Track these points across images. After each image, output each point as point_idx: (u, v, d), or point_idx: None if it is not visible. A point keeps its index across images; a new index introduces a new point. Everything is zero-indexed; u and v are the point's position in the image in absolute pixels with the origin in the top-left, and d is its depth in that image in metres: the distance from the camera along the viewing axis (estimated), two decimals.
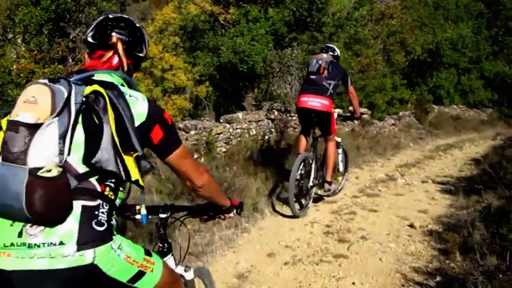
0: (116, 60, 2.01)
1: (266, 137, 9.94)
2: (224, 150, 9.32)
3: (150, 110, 1.88)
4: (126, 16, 2.16)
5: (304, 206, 6.30)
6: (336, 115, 6.50)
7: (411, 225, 5.66)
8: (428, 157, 11.18)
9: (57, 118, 1.58)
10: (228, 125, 9.86)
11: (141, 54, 2.17)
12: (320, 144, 6.63)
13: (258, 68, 12.93)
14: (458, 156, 11.61)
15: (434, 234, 5.18)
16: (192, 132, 9.05)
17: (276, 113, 11.28)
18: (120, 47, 2.00)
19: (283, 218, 6.13)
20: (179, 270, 2.46)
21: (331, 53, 6.45)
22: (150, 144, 1.93)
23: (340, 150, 7.02)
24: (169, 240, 2.44)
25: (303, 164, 6.09)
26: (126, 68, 2.05)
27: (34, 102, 1.59)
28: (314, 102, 6.10)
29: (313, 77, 6.18)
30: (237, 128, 9.94)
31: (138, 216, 2.34)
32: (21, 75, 11.65)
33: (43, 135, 1.55)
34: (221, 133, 9.52)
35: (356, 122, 11.50)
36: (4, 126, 1.60)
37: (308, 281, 4.23)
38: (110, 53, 2.00)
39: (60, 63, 12.47)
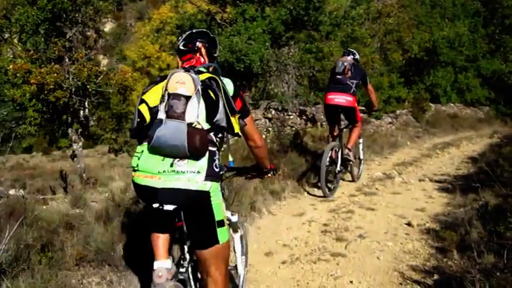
0: (202, 59, 2.96)
1: (263, 136, 9.94)
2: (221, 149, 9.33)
3: (234, 88, 2.91)
4: (205, 30, 3.16)
5: (333, 189, 7.23)
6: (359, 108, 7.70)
7: (409, 224, 5.66)
8: (426, 155, 11.18)
9: (195, 94, 2.56)
10: None
11: (215, 54, 3.12)
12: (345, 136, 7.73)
13: (255, 67, 12.93)
14: (455, 154, 11.61)
15: (432, 233, 5.18)
16: None
17: (273, 112, 11.28)
18: (203, 50, 2.98)
19: (281, 217, 6.14)
20: (227, 213, 3.10)
21: (352, 56, 7.48)
22: (235, 110, 2.80)
23: (361, 140, 8.37)
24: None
25: (331, 152, 7.02)
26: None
27: (183, 83, 2.57)
28: (340, 99, 7.14)
29: (339, 77, 7.18)
30: None
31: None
32: (18, 75, 11.63)
33: (192, 103, 2.54)
34: None
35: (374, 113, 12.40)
36: (150, 101, 2.64)
37: (306, 280, 4.23)
38: (197, 55, 2.95)
39: (57, 63, 12.45)
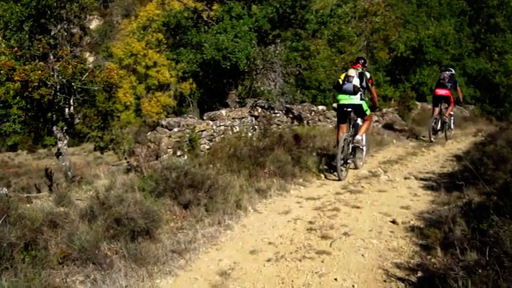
0: (359, 65, 9.01)
1: (249, 134, 9.93)
2: (207, 147, 9.32)
3: (370, 76, 9.16)
4: (364, 56, 10.73)
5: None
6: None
7: (393, 222, 5.68)
8: (411, 154, 11.23)
9: (356, 75, 8.67)
10: (211, 122, 9.85)
11: (366, 65, 9.40)
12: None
13: (241, 65, 12.91)
14: (440, 152, 11.68)
15: (416, 230, 5.21)
16: (175, 130, 9.02)
17: (259, 109, 11.28)
18: (360, 62, 9.10)
19: (267, 215, 6.14)
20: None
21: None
22: (368, 83, 8.99)
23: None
24: None
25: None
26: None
27: (352, 72, 8.73)
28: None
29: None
30: (220, 125, 9.94)
31: None
32: (1, 72, 11.51)
33: (355, 78, 8.64)
34: (204, 130, 9.51)
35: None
36: (341, 77, 8.85)
37: (291, 278, 4.23)
38: (358, 64, 9.03)
39: (41, 60, 12.34)
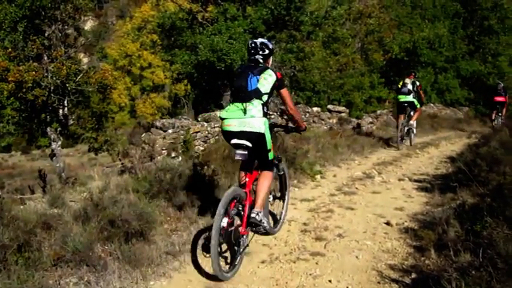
0: (412, 76, 12.74)
1: None
2: (202, 148, 9.30)
3: (420, 82, 13.00)
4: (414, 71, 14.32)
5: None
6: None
7: (387, 223, 5.69)
8: (405, 155, 11.27)
9: (410, 82, 12.45)
10: (205, 124, 9.84)
11: (416, 74, 13.56)
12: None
13: (235, 66, 12.92)
14: (434, 154, 11.72)
15: (410, 232, 5.22)
16: (170, 131, 9.01)
17: None
18: (413, 74, 12.96)
19: None
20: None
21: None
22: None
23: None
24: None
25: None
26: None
27: (407, 80, 12.44)
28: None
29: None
30: (215, 127, 9.93)
31: None
32: None
33: (409, 84, 12.38)
34: (199, 131, 9.50)
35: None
36: (400, 84, 12.60)
37: (285, 279, 4.23)
38: (411, 76, 12.80)
39: (35, 61, 12.32)
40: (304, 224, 5.77)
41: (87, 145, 16.53)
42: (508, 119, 16.16)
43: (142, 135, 9.44)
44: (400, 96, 12.54)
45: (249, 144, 4.41)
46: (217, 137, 9.74)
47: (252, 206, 4.49)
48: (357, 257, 4.66)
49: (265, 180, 4.65)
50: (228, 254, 4.30)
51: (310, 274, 4.30)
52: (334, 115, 15.31)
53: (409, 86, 12.32)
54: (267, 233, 4.93)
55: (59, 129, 13.36)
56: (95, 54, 43.51)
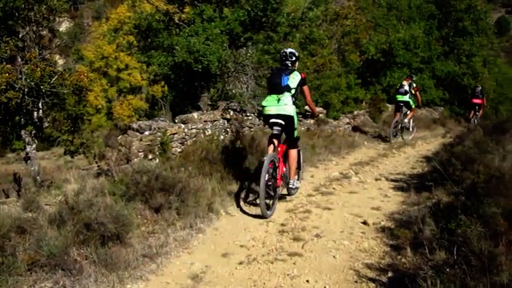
0: (409, 79, 14.41)
1: (221, 137, 9.91)
2: (179, 150, 9.25)
3: (416, 85, 14.64)
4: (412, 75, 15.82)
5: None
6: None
7: (364, 223, 5.74)
8: (382, 155, 11.37)
9: (407, 84, 14.21)
10: (183, 125, 9.79)
11: (414, 78, 15.22)
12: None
13: (212, 68, 12.90)
14: (411, 153, 11.85)
15: (387, 231, 5.28)
16: (147, 133, 8.94)
17: (231, 112, 11.26)
18: (409, 79, 14.43)
19: (239, 218, 6.14)
20: None
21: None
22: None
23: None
24: None
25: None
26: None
27: (404, 83, 14.16)
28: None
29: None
30: (192, 128, 9.88)
31: None
32: None
33: (406, 86, 14.12)
34: (176, 133, 9.45)
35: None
36: (398, 85, 14.70)
37: (263, 280, 4.24)
38: (408, 79, 14.63)
39: (9, 63, 12.11)
40: (282, 224, 5.79)
41: (63, 148, 16.32)
42: (482, 118, 17.10)
43: (119, 137, 9.34)
44: (397, 96, 14.26)
45: (282, 122, 6.29)
46: (194, 139, 9.71)
47: (285, 174, 6.66)
48: (334, 256, 4.69)
49: (293, 156, 6.65)
50: (268, 200, 6.15)
51: (288, 274, 4.32)
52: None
53: (406, 87, 14.01)
54: (291, 191, 6.93)
55: (33, 132, 13.15)
56: (70, 55, 43.03)
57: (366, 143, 13.50)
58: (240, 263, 4.62)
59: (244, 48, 14.58)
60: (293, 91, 6.28)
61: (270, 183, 6.10)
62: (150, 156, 8.56)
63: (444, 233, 4.44)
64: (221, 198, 6.56)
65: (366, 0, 25.74)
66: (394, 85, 21.44)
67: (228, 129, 10.66)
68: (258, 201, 6.13)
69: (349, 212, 6.26)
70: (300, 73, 6.47)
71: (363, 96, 20.11)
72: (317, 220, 5.96)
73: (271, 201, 6.23)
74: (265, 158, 6.06)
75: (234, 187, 7.12)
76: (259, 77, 14.27)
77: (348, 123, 16.00)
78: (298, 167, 7.27)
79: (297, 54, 6.61)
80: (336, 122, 15.37)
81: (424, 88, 23.15)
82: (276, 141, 6.47)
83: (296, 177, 6.93)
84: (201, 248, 5.06)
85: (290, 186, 6.68)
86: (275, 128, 6.33)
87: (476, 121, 16.84)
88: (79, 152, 15.26)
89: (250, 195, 7.03)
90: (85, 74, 14.09)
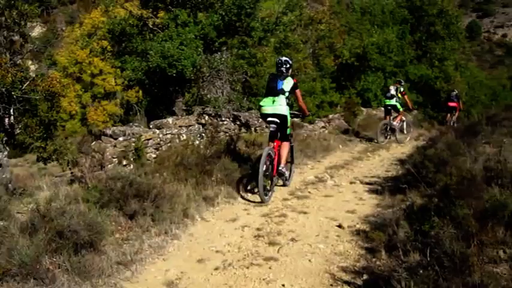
0: (397, 84, 15.34)
1: (197, 142, 9.87)
2: (154, 156, 9.20)
3: (404, 89, 15.29)
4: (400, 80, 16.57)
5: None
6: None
7: (340, 226, 5.77)
8: (357, 158, 11.45)
9: (393, 88, 15.09)
10: (157, 131, 9.73)
11: (402, 83, 15.72)
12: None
13: (187, 73, 12.87)
14: (385, 156, 11.97)
15: (362, 234, 5.31)
16: (121, 139, 8.86)
17: (206, 117, 11.23)
18: (398, 84, 15.21)
19: (214, 223, 6.11)
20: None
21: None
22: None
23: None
24: None
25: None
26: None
27: (392, 87, 15.25)
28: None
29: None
30: (167, 134, 9.83)
31: None
32: None
33: (393, 89, 14.98)
34: (150, 139, 9.39)
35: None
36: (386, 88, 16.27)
37: (238, 285, 4.22)
38: (396, 84, 15.31)
39: None
40: (258, 229, 5.78)
41: (36, 154, 16.07)
42: (458, 119, 19.00)
43: (92, 143, 9.24)
44: (385, 101, 15.27)
45: (277, 121, 7.22)
46: (169, 144, 9.66)
47: (278, 163, 7.36)
48: (309, 260, 4.70)
49: (285, 148, 7.48)
50: (265, 190, 7.06)
51: (264, 279, 4.31)
52: None
53: (392, 92, 14.84)
54: (285, 181, 8.05)
55: (5, 138, 12.93)
56: (43, 61, 42.44)
57: (341, 146, 13.57)
58: (216, 269, 4.59)
59: (219, 53, 14.58)
60: (287, 94, 7.23)
61: (268, 173, 7.12)
62: (124, 162, 8.49)
63: (418, 235, 4.49)
64: (196, 204, 6.52)
65: (340, 5, 25.96)
66: (369, 89, 21.77)
67: (203, 134, 10.63)
68: (256, 190, 7.17)
69: (325, 216, 6.29)
70: (293, 78, 7.42)
71: (338, 100, 20.23)
72: (293, 224, 5.96)
73: (269, 188, 7.30)
74: (263, 151, 7.09)
75: (210, 192, 7.08)
76: (234, 81, 14.28)
77: (323, 127, 16.07)
78: (291, 161, 8.47)
79: (290, 62, 7.51)
80: (311, 126, 15.42)
81: None
82: (271, 142, 7.42)
83: (288, 165, 8.02)
84: (177, 254, 5.02)
85: (279, 169, 7.39)
86: (271, 125, 7.28)
87: (453, 123, 18.32)
88: (52, 158, 15.02)
89: (225, 199, 7.02)
90: (57, 80, 13.91)
